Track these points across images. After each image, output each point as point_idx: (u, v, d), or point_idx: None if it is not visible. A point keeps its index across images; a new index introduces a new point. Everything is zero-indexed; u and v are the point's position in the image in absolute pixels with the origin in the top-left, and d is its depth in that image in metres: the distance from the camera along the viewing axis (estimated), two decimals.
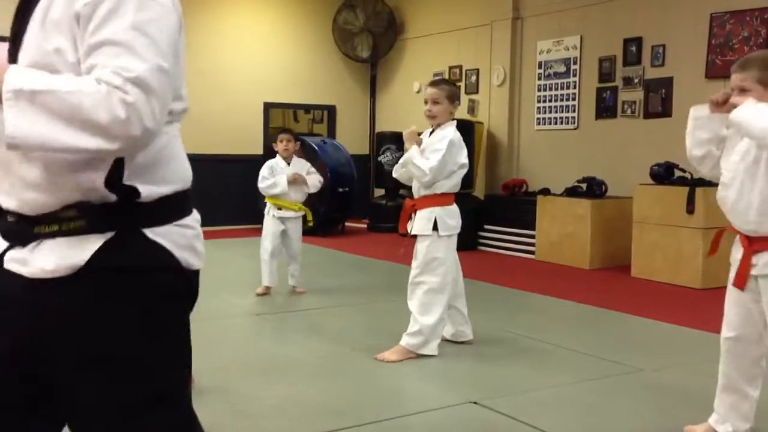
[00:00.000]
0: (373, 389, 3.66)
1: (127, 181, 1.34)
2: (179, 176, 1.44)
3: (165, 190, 1.39)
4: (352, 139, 10.87)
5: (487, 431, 3.09)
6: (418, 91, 10.19)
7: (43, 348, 1.36)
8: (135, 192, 1.35)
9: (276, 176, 5.74)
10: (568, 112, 8.50)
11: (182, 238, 1.42)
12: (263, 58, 10.52)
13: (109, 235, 1.34)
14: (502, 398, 3.44)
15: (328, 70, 11.06)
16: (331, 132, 11.23)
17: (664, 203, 6.63)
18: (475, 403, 3.37)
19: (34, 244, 1.35)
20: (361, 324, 4.86)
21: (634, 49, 7.74)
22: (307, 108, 12.32)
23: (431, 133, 4.24)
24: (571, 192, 7.69)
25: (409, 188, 4.38)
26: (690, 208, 6.38)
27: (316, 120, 13.14)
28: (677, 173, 6.83)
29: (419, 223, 4.12)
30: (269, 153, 9.80)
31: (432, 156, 4.04)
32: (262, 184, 5.77)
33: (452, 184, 4.20)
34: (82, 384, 1.37)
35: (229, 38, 10.25)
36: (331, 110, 11.31)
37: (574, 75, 8.40)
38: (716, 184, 7.15)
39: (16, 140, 1.21)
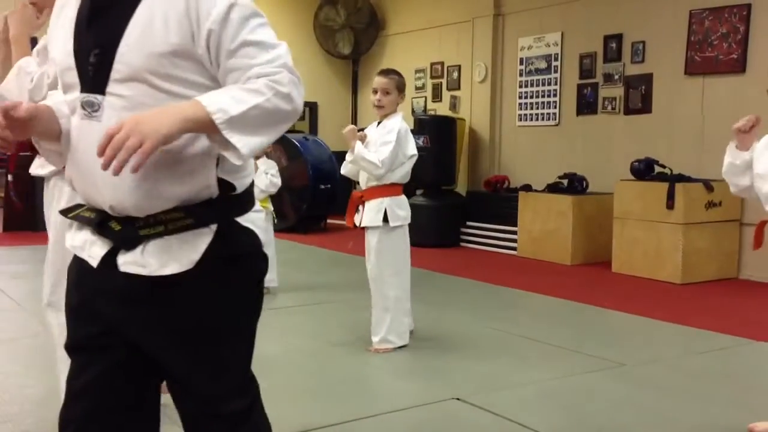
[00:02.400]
0: (355, 386, 3.66)
1: (221, 175, 1.50)
2: (250, 168, 1.62)
3: (247, 181, 1.58)
4: (334, 136, 10.76)
5: (471, 428, 3.10)
6: None
7: (169, 332, 1.53)
8: (230, 186, 1.52)
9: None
10: (549, 108, 8.53)
11: (259, 221, 1.60)
12: None
13: (213, 228, 1.50)
14: (485, 394, 3.45)
15: (310, 66, 11.03)
16: (313, 129, 11.20)
17: (644, 199, 6.68)
18: (458, 399, 3.38)
19: (142, 245, 1.48)
20: (343, 321, 4.85)
21: (614, 45, 7.78)
22: None
23: (378, 124, 4.19)
24: (553, 188, 7.72)
25: None
26: (670, 204, 6.43)
27: None
28: (657, 169, 6.88)
29: (369, 214, 4.09)
30: None
31: (382, 148, 4.01)
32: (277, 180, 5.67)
33: (401, 174, 4.15)
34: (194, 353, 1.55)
35: None
36: (312, 107, 11.29)
37: (555, 71, 8.43)
38: (696, 180, 7.19)
39: (245, 156, 1.42)
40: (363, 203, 4.16)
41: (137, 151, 1.32)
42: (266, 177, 5.57)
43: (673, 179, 6.57)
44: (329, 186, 9.44)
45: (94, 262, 1.52)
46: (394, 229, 4.10)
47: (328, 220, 10.03)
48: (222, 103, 1.39)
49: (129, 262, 1.49)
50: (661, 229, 6.52)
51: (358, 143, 4.05)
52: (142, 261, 1.48)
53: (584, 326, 4.93)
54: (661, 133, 7.33)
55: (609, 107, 7.86)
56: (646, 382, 3.70)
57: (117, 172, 1.34)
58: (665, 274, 6.46)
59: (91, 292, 1.55)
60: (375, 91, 4.13)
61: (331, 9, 10.77)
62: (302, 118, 12.41)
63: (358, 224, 4.20)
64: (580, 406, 3.35)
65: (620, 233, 6.89)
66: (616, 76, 7.76)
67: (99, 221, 1.52)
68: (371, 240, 4.13)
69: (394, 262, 4.12)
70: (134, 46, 1.44)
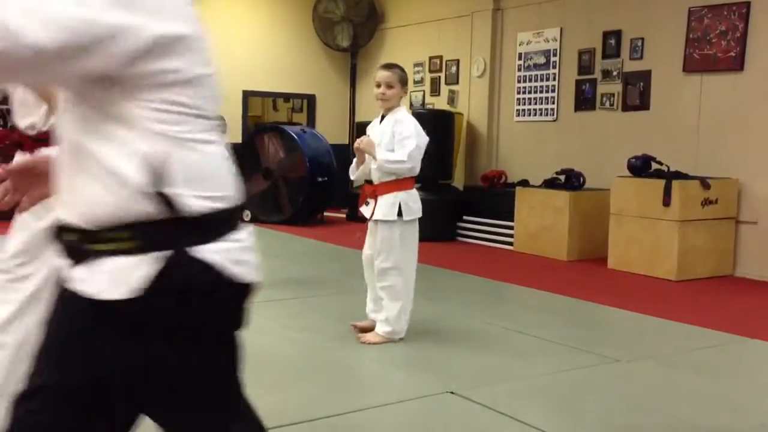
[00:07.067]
0: (350, 379, 3.67)
1: (169, 190, 1.28)
2: (225, 189, 1.38)
3: (208, 204, 1.33)
4: (332, 129, 10.84)
5: (464, 421, 3.11)
6: None
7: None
8: (180, 202, 1.29)
9: None
10: (547, 104, 8.53)
11: (230, 253, 1.36)
12: (242, 46, 10.44)
13: (162, 255, 1.29)
14: (479, 388, 3.46)
15: (308, 59, 11.01)
16: (311, 121, 11.19)
17: (641, 196, 6.68)
18: (452, 393, 3.39)
19: (92, 261, 1.30)
20: (338, 313, 4.85)
21: (613, 42, 7.78)
22: (287, 97, 12.25)
23: (381, 119, 4.21)
24: (550, 184, 7.73)
25: None
26: (666, 201, 6.44)
27: (295, 109, 13.08)
28: (654, 166, 6.88)
29: (383, 208, 4.11)
30: (248, 142, 9.77)
31: (405, 142, 4.05)
32: None
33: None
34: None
35: (207, 26, 10.14)
36: (310, 99, 11.27)
37: (554, 67, 8.43)
38: (693, 177, 7.19)
39: None
40: (375, 197, 4.16)
41: None
42: None
43: (670, 176, 6.57)
44: (326, 179, 9.43)
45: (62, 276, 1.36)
46: (407, 222, 4.13)
47: (326, 213, 10.04)
48: None
49: (75, 278, 1.32)
50: (657, 225, 6.53)
51: (377, 149, 4.08)
52: (86, 278, 1.30)
53: (579, 322, 4.94)
54: (659, 130, 7.33)
55: (607, 103, 7.86)
56: (640, 378, 3.71)
57: None
58: (661, 270, 6.47)
59: None
60: (378, 85, 4.14)
61: (331, 1, 10.75)
62: (300, 110, 12.41)
63: (368, 216, 4.20)
64: (573, 401, 3.36)
65: (616, 230, 6.89)
66: (615, 73, 7.76)
67: (59, 227, 1.36)
68: (384, 233, 4.12)
69: (405, 255, 4.16)
70: None
